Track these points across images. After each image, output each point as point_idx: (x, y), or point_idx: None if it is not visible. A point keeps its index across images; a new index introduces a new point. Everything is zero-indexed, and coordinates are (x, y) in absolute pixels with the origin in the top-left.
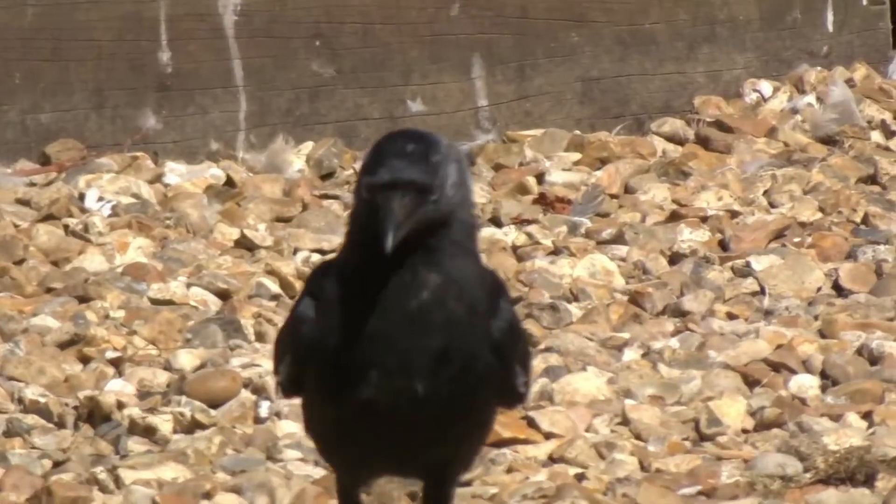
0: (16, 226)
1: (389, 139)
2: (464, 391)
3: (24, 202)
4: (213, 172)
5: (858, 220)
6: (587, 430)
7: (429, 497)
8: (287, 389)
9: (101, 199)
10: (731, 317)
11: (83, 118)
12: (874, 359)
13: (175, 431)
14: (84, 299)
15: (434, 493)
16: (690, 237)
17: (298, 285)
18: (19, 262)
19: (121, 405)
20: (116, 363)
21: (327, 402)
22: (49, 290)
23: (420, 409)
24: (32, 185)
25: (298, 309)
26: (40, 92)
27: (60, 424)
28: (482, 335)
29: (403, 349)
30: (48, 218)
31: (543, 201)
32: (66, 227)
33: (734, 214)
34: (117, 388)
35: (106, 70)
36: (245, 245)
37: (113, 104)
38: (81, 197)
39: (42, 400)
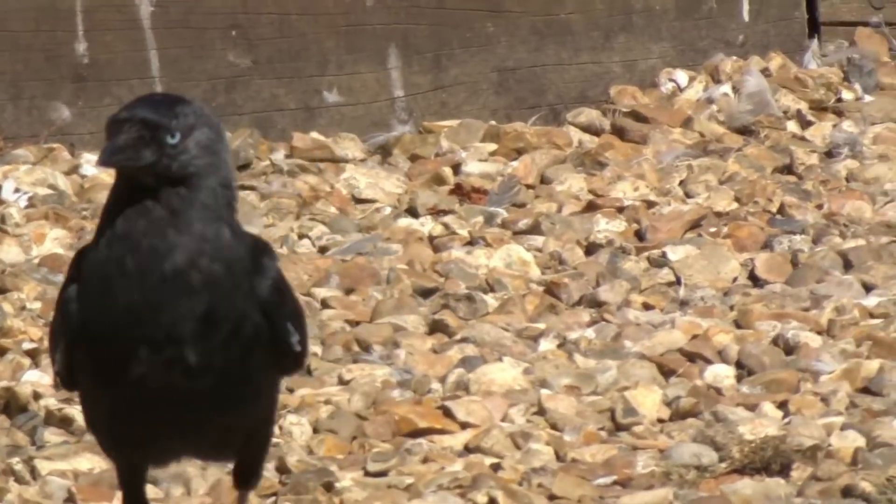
0: None
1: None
2: (238, 356)
3: None
4: None
5: (774, 209)
6: (503, 420)
7: (235, 475)
8: (65, 380)
9: (17, 190)
10: (647, 307)
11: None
12: (790, 348)
13: None
14: (1, 290)
15: (238, 472)
16: (607, 227)
17: None
18: None
19: (37, 396)
20: (33, 354)
21: (101, 386)
22: None
23: (195, 379)
24: None
25: (63, 294)
26: None
27: None
28: (247, 295)
29: (168, 319)
30: None
31: (460, 192)
32: None
33: (650, 205)
34: (34, 379)
35: (22, 61)
36: None
37: (29, 95)
38: None
39: None
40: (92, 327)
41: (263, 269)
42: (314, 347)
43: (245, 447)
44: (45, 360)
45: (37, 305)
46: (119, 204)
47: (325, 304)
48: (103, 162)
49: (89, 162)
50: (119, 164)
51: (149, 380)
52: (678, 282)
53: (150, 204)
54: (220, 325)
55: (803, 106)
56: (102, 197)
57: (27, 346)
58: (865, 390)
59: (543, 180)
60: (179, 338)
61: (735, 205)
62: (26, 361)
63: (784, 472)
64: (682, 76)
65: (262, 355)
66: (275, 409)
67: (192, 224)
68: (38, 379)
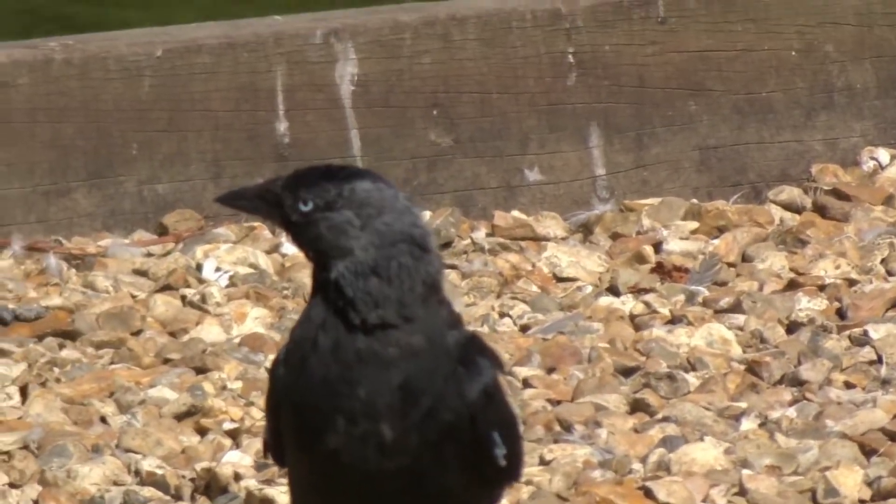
0: (133, 297)
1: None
2: (434, 440)
3: (141, 273)
4: None
5: None
6: (704, 501)
7: None
8: (272, 450)
9: (218, 269)
10: (848, 386)
11: (200, 188)
12: None
13: None
14: (201, 370)
15: None
16: (808, 306)
17: None
18: (136, 333)
19: (238, 477)
20: (234, 434)
21: (300, 456)
22: (166, 361)
23: (389, 457)
24: (150, 255)
25: (273, 365)
26: (158, 163)
27: (177, 497)
28: (451, 381)
29: (366, 391)
30: (165, 288)
31: (661, 270)
32: (183, 297)
33: (852, 283)
34: (234, 460)
35: (223, 140)
36: None
37: (230, 174)
38: (199, 267)
39: (159, 472)
40: (293, 397)
41: (476, 369)
42: None
43: None
44: (247, 440)
45: (238, 385)
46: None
47: (526, 383)
48: (219, 198)
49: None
50: (229, 204)
51: (343, 454)
52: (880, 360)
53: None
54: (417, 401)
55: None
56: (303, 276)
57: (228, 426)
58: None
59: (745, 258)
60: (375, 412)
61: None
62: (227, 442)
63: None
64: (883, 154)
65: (463, 456)
66: None
67: (385, 307)
68: (239, 460)
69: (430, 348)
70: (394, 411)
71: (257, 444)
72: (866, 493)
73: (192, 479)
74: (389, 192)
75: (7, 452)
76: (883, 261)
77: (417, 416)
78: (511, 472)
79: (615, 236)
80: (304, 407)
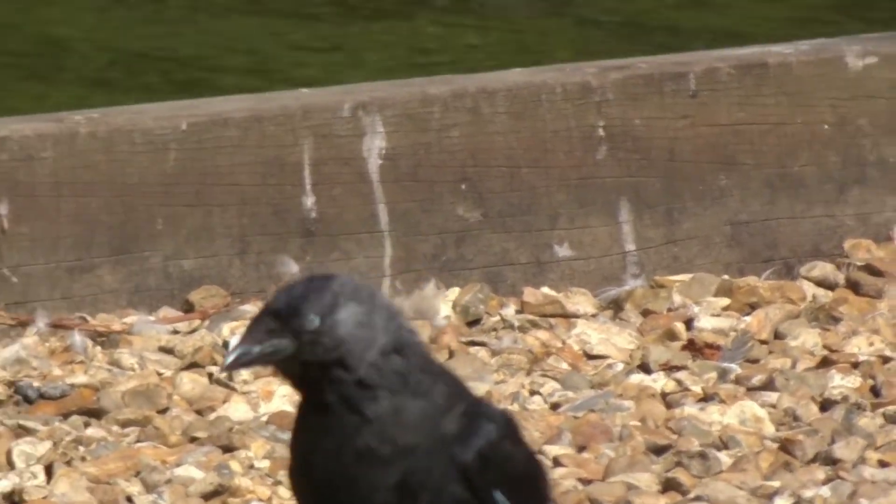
0: (159, 374)
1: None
2: None
3: (167, 350)
4: None
5: None
6: None
7: None
8: None
9: None
10: (882, 464)
11: (226, 264)
12: None
13: None
14: (228, 449)
15: None
16: (841, 383)
17: None
18: (163, 411)
19: None
20: None
21: None
22: (193, 440)
23: None
24: (175, 332)
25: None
26: (183, 238)
27: None
28: (448, 463)
29: (364, 490)
30: (192, 366)
31: (692, 347)
32: (209, 375)
33: (886, 360)
34: None
35: (249, 215)
36: None
37: (256, 250)
38: (225, 345)
39: None
40: (300, 487)
41: (471, 434)
42: None
43: None
44: None
45: (265, 464)
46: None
47: (556, 461)
48: (226, 367)
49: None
50: (252, 363)
51: None
52: None
53: (324, 395)
54: (416, 497)
55: None
56: None
57: None
58: None
59: (777, 335)
60: None
61: None
62: None
63: None
64: None
65: None
66: None
67: (363, 406)
68: None
69: (425, 440)
70: None
71: None
72: None
73: None
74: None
75: None
76: None
77: None
78: None
79: (646, 313)
80: (311, 500)
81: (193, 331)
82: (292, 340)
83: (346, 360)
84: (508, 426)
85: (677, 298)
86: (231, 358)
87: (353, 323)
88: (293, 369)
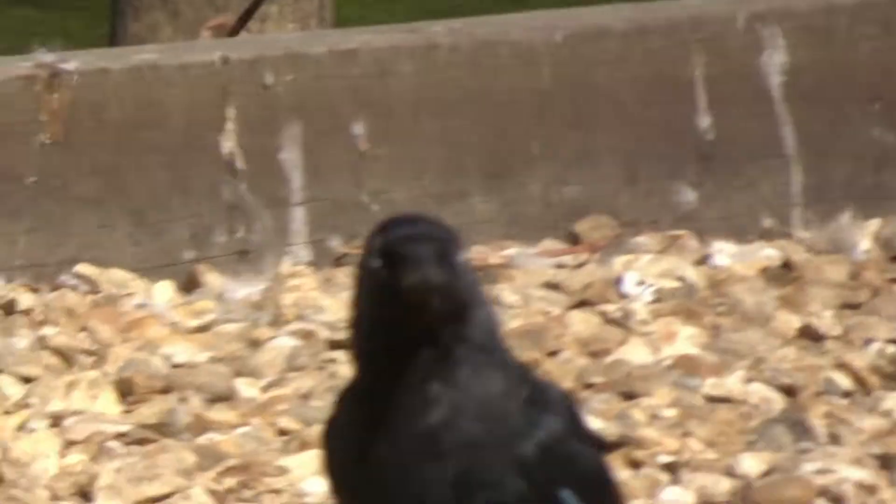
0: (546, 313)
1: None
2: None
3: (553, 286)
4: (767, 253)
5: None
6: None
7: None
8: None
9: (640, 283)
10: None
11: (613, 192)
12: None
13: None
14: (629, 396)
15: None
16: None
17: (874, 380)
18: (552, 354)
19: None
20: (672, 468)
21: None
22: (588, 386)
23: None
24: (561, 267)
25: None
26: (563, 162)
27: None
28: (511, 457)
29: (418, 480)
30: (582, 304)
31: None
32: (603, 314)
33: None
34: (673, 498)
35: (636, 137)
36: (809, 335)
37: (646, 176)
38: (618, 280)
39: None
40: (343, 485)
41: (533, 427)
42: None
43: None
44: (687, 475)
45: (671, 413)
46: (374, 339)
47: None
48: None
49: (721, 252)
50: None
51: None
52: None
53: (418, 345)
54: (473, 494)
55: None
56: (738, 291)
57: (663, 459)
58: None
59: None
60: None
61: None
62: (664, 477)
63: None
64: None
65: None
66: None
67: (458, 376)
68: (678, 498)
69: (486, 433)
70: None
71: (699, 479)
72: None
73: None
74: None
75: None
76: None
77: None
78: None
79: None
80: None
81: (581, 265)
82: (448, 271)
83: (469, 311)
84: (573, 417)
85: None
86: (413, 274)
87: (470, 269)
88: (430, 308)
